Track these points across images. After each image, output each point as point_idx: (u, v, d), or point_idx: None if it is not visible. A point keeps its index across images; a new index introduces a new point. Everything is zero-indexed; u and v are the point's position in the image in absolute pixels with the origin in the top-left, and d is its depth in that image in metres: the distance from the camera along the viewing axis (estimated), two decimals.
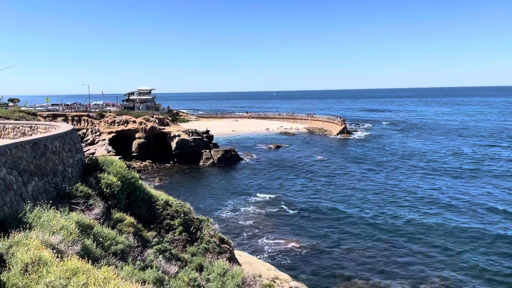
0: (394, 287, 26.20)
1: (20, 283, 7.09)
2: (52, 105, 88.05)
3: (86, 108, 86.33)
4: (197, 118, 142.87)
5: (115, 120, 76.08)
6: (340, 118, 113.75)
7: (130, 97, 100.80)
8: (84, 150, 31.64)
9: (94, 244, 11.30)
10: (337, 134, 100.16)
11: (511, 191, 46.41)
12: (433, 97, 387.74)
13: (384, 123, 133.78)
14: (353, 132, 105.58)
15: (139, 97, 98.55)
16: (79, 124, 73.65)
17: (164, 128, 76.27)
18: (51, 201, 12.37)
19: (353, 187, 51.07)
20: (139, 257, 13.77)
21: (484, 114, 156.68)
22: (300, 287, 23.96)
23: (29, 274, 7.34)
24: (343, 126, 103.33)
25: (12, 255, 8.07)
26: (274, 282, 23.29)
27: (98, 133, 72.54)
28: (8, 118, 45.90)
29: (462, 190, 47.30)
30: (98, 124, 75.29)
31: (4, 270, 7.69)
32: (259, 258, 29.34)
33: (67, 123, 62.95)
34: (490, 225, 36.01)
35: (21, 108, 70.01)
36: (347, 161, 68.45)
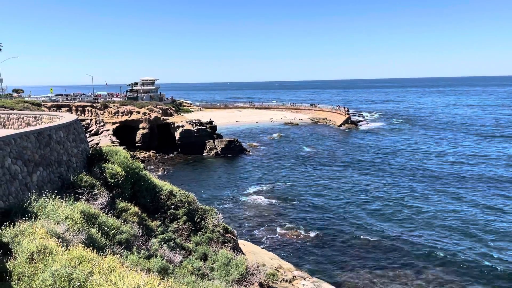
0: (397, 276, 26.30)
1: (26, 272, 7.16)
2: (56, 95, 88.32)
3: (96, 98, 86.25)
4: (200, 108, 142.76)
5: (119, 111, 76.19)
6: (344, 108, 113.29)
7: (134, 88, 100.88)
8: (88, 141, 31.76)
9: (99, 233, 11.40)
10: (341, 124, 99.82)
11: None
12: (437, 87, 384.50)
13: (388, 114, 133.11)
14: (357, 123, 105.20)
15: (142, 87, 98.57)
16: (83, 115, 73.85)
17: (168, 119, 76.32)
18: (56, 191, 12.46)
19: (356, 179, 50.99)
20: (144, 246, 13.87)
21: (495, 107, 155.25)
22: (303, 276, 24.10)
23: (35, 262, 7.41)
24: (347, 116, 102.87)
25: (18, 244, 8.15)
26: (278, 271, 23.44)
27: (102, 124, 72.71)
28: (12, 109, 46.02)
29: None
30: (102, 114, 75.43)
31: (10, 258, 7.77)
32: (262, 248, 29.49)
33: (71, 113, 63.09)
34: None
35: (25, 99, 70.18)
36: (350, 153, 68.30)
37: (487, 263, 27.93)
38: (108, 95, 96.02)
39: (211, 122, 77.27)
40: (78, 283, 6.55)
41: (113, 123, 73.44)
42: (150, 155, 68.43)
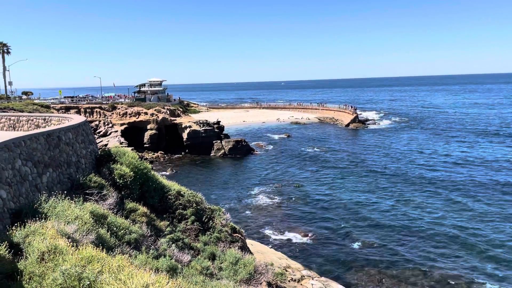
0: (406, 276, 26.17)
1: (37, 271, 7.26)
2: (65, 97, 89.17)
3: (109, 99, 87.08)
4: (207, 109, 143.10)
5: (127, 112, 76.65)
6: (352, 107, 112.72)
7: (141, 89, 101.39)
8: (97, 142, 31.99)
9: (108, 233, 11.50)
10: (348, 124, 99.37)
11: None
12: (444, 84, 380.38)
13: (395, 113, 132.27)
14: (365, 122, 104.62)
15: (150, 88, 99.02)
16: (91, 116, 74.41)
17: (176, 119, 76.63)
18: (65, 192, 12.60)
19: (363, 180, 50.72)
20: (153, 246, 13.96)
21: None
22: (312, 276, 24.07)
23: (46, 262, 7.51)
24: (354, 115, 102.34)
25: (29, 244, 8.26)
26: (286, 270, 23.44)
27: (110, 125, 73.24)
28: (22, 111, 46.54)
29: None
30: (110, 116, 75.95)
31: (21, 258, 7.89)
32: (270, 248, 29.51)
33: (80, 115, 63.57)
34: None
35: (34, 101, 70.93)
36: (357, 153, 68.00)
37: (493, 266, 27.71)
38: (117, 96, 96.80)
39: (218, 122, 77.43)
40: (88, 282, 6.63)
41: (121, 124, 73.92)
42: (158, 155, 68.78)
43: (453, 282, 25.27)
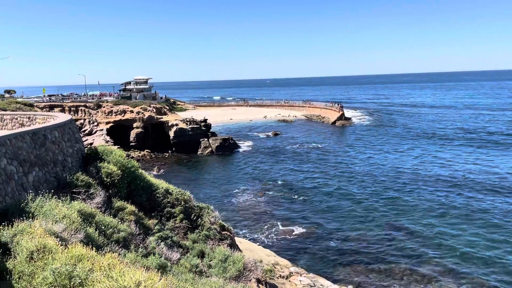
0: (392, 271, 26.55)
1: (27, 270, 7.20)
2: (49, 95, 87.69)
3: (100, 97, 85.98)
4: (194, 107, 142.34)
5: (112, 110, 75.84)
6: (338, 104, 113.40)
7: (127, 87, 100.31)
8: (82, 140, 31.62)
9: (97, 232, 11.43)
10: (335, 121, 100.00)
11: None
12: (430, 82, 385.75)
13: (380, 111, 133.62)
14: (351, 119, 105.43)
15: (136, 86, 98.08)
16: (76, 115, 73.40)
17: (162, 117, 76.11)
18: (52, 191, 12.47)
19: (351, 176, 51.24)
20: (141, 245, 13.92)
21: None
22: (300, 272, 24.26)
23: (35, 261, 7.45)
24: (341, 113, 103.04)
25: (17, 243, 8.18)
26: (275, 267, 23.58)
27: (95, 123, 72.36)
28: (5, 110, 45.72)
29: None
30: (95, 114, 75.06)
31: (9, 258, 7.81)
32: (259, 245, 29.62)
33: (65, 113, 62.62)
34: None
35: (17, 99, 69.64)
36: (344, 148, 68.63)
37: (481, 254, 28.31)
38: (102, 95, 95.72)
39: (205, 120, 77.14)
40: (79, 280, 6.61)
41: (107, 123, 73.11)
42: (145, 154, 68.25)
43: (440, 277, 25.74)
